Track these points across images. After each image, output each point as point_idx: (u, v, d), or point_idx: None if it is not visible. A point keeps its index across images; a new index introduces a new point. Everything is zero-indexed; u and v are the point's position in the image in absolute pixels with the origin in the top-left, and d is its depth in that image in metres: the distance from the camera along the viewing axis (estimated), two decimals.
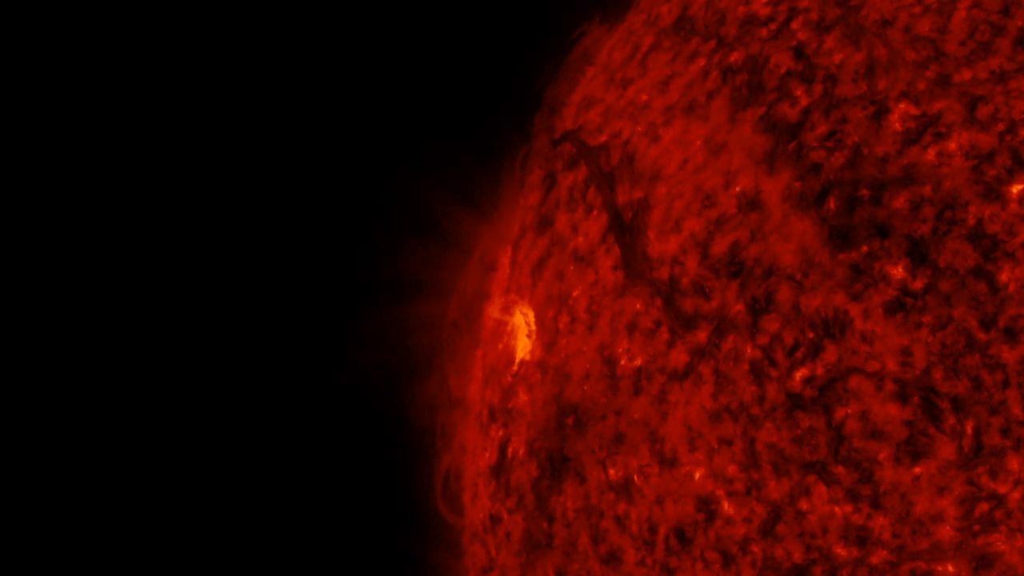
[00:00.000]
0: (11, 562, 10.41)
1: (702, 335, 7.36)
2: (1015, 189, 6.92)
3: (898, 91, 7.20)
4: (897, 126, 7.14)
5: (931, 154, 7.04)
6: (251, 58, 10.41)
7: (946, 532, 6.88)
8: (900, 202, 7.02)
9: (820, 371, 7.04)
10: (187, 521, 10.38)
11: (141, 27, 10.46)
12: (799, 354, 7.09)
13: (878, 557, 6.94)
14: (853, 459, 6.96)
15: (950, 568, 6.87)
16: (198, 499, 10.36)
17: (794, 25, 7.62)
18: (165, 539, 10.42)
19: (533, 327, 8.29)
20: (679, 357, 7.43)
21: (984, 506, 6.83)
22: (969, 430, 6.82)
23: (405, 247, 9.66)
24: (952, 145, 7.03)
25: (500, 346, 8.58)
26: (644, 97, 8.08)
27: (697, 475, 7.31)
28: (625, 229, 7.77)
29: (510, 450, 8.31)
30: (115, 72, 10.45)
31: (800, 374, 7.08)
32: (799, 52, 7.52)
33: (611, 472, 7.61)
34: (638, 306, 7.62)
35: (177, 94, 10.48)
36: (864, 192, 7.09)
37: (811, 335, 7.06)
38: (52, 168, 10.51)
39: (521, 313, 8.42)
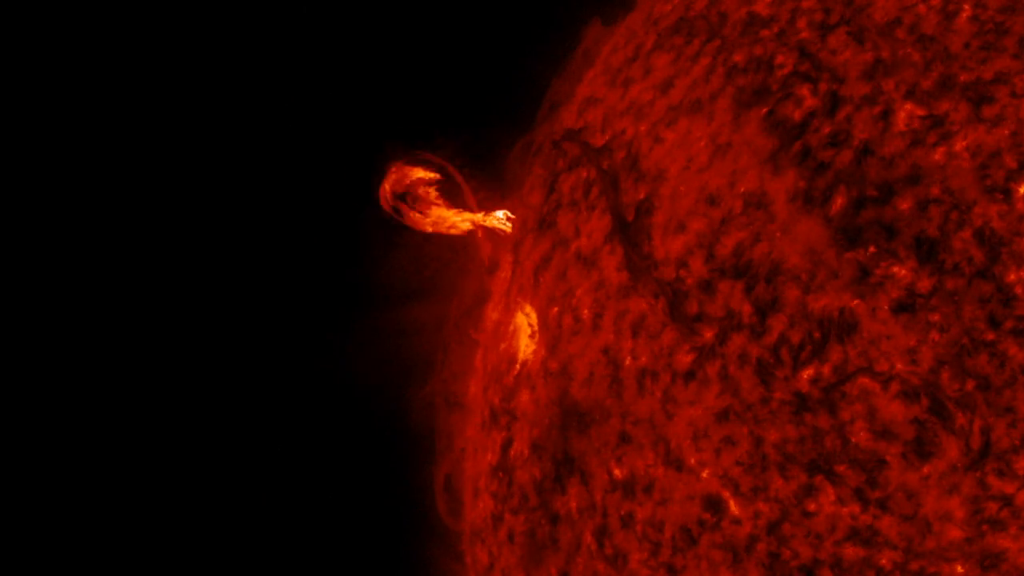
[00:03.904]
0: (11, 562, 10.39)
1: (707, 335, 7.36)
2: (1022, 189, 6.92)
3: (903, 91, 7.20)
4: (903, 126, 7.14)
5: (938, 154, 7.03)
6: (252, 59, 10.41)
7: (954, 532, 6.87)
8: (907, 202, 7.02)
9: (827, 371, 7.04)
10: (188, 521, 10.37)
11: (141, 27, 10.45)
12: (805, 354, 7.08)
13: (885, 557, 6.94)
14: (860, 459, 6.95)
15: (958, 568, 6.87)
16: (199, 500, 10.36)
17: (798, 25, 7.62)
18: (165, 539, 10.41)
19: (535, 327, 8.27)
20: (684, 357, 7.42)
21: (992, 506, 6.83)
22: (977, 430, 6.82)
23: (404, 249, 9.66)
24: (959, 145, 7.03)
25: (502, 347, 8.57)
26: (647, 97, 8.07)
27: (703, 475, 7.30)
28: (629, 229, 7.76)
29: (512, 450, 8.30)
30: (116, 72, 10.45)
31: (807, 374, 7.08)
32: (803, 52, 7.51)
33: (616, 472, 7.60)
34: (643, 306, 7.61)
35: (177, 95, 10.47)
36: (871, 192, 7.08)
37: (817, 335, 7.06)
38: (52, 168, 10.50)
39: (523, 314, 8.41)
